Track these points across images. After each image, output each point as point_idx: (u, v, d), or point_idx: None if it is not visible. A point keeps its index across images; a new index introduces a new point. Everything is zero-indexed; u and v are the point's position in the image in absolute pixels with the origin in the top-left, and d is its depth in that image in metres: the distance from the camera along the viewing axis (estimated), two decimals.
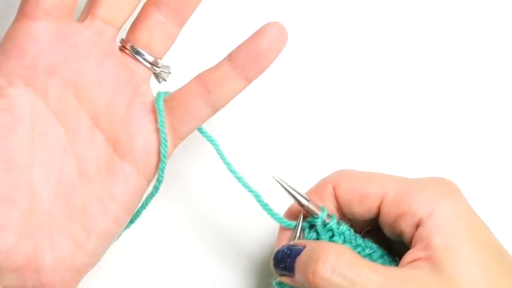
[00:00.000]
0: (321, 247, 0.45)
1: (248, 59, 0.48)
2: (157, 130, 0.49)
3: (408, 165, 0.58)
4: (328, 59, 0.59)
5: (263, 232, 0.56)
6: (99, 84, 0.49)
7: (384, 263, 0.48)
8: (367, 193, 0.47)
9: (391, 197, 0.47)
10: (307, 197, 0.48)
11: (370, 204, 0.47)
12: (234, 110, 0.56)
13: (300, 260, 0.45)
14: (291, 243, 0.48)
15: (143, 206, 0.51)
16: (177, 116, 0.49)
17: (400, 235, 0.47)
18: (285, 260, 0.46)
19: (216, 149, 0.51)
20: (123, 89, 0.50)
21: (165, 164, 0.49)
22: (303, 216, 0.49)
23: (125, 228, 0.51)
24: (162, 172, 0.49)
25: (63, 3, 0.47)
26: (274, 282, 0.48)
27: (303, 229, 0.49)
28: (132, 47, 0.50)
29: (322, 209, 0.48)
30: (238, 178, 0.50)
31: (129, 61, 0.50)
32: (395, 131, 0.59)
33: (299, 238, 0.48)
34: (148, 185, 0.50)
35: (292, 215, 0.49)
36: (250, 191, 0.49)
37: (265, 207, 0.49)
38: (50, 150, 0.47)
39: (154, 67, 0.51)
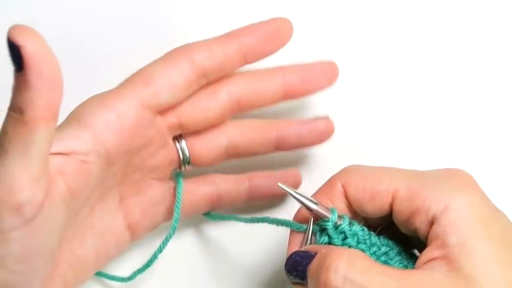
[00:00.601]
0: (332, 254, 0.43)
1: (265, 194, 0.55)
2: (165, 213, 0.53)
3: (419, 156, 0.57)
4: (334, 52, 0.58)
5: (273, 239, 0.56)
6: (145, 168, 0.51)
7: (401, 260, 0.47)
8: (378, 191, 0.46)
9: (402, 194, 0.45)
10: (315, 201, 0.46)
11: (382, 202, 0.46)
12: None
13: (312, 269, 0.43)
14: (302, 249, 0.46)
15: (160, 250, 0.53)
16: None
17: (415, 232, 0.45)
18: (296, 268, 0.45)
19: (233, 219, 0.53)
20: (156, 173, 0.52)
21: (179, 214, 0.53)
22: (313, 219, 0.47)
23: (140, 271, 0.53)
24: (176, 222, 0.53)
25: (175, 102, 0.49)
26: None
27: (314, 232, 0.47)
28: (183, 150, 0.52)
29: (332, 211, 0.46)
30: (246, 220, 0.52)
31: (173, 152, 0.52)
32: (404, 121, 0.58)
33: (311, 242, 0.47)
34: None
35: (302, 218, 0.48)
36: (258, 221, 0.51)
37: (275, 221, 0.49)
38: (80, 208, 0.48)
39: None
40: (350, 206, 0.47)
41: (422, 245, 0.45)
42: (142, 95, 0.48)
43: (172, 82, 0.49)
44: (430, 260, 0.43)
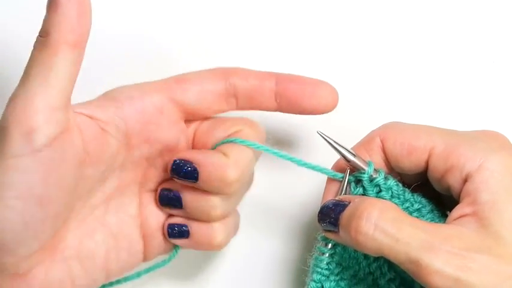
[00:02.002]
0: (365, 203, 0.44)
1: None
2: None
3: (456, 118, 0.57)
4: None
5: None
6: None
7: (433, 218, 0.48)
8: (415, 146, 0.46)
9: (439, 151, 0.46)
10: (353, 152, 0.48)
11: (418, 158, 0.47)
12: None
13: (344, 217, 0.45)
14: (337, 198, 0.47)
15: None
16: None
17: (448, 190, 0.46)
18: (329, 215, 0.46)
19: (259, 148, 0.50)
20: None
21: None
22: (350, 170, 0.48)
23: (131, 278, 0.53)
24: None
25: (200, 108, 0.50)
26: (319, 237, 0.48)
27: (349, 183, 0.48)
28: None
29: (368, 164, 0.47)
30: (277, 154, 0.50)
31: None
32: (442, 82, 0.57)
33: (345, 193, 0.48)
34: None
35: (339, 169, 0.49)
36: (292, 159, 0.49)
37: (309, 165, 0.48)
38: (93, 185, 0.47)
39: None
40: (387, 161, 0.48)
41: (454, 205, 0.45)
42: (171, 87, 0.49)
43: (203, 88, 0.49)
44: (461, 216, 0.44)
